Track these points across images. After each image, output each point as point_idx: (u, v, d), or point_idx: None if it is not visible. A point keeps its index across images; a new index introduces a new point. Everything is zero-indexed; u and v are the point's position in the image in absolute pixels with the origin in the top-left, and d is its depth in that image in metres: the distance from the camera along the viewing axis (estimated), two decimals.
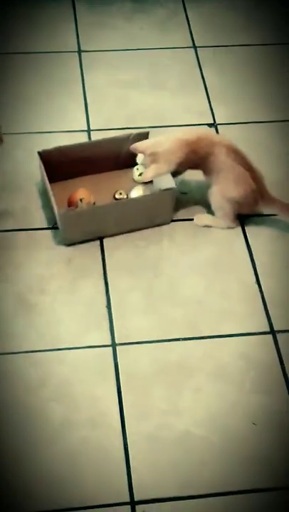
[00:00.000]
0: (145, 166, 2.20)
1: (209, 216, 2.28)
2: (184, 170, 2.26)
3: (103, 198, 2.28)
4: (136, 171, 2.33)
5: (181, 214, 2.32)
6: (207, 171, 2.22)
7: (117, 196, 2.30)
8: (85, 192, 2.24)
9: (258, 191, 2.21)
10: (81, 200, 2.21)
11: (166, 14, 2.99)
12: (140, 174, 2.28)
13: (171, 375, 1.96)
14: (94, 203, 2.24)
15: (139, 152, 2.18)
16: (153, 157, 2.15)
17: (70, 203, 2.23)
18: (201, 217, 2.29)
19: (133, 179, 2.34)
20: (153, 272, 2.18)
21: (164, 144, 2.17)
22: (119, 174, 2.38)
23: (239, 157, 2.19)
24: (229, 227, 2.27)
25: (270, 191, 2.24)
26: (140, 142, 2.19)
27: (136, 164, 2.33)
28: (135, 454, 1.81)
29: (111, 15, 2.97)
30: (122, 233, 2.25)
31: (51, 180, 2.21)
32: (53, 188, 2.19)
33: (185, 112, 2.63)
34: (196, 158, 2.18)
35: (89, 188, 2.29)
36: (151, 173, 2.18)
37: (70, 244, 2.21)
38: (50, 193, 2.17)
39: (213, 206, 2.26)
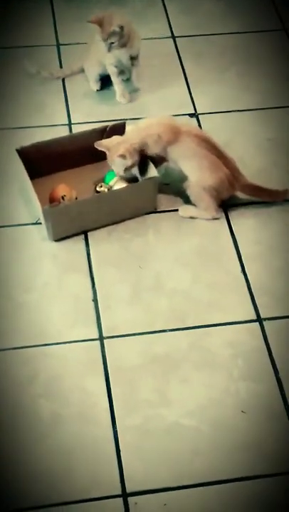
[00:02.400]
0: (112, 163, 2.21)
1: (194, 207, 2.28)
2: (159, 160, 2.24)
3: (84, 192, 2.28)
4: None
5: (165, 205, 2.32)
6: (176, 160, 2.22)
7: (98, 189, 2.29)
8: (65, 188, 2.24)
9: (233, 176, 2.22)
10: (63, 197, 2.20)
11: (143, 5, 2.98)
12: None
13: (159, 366, 1.96)
14: (76, 198, 2.24)
15: (103, 148, 2.20)
16: (116, 149, 2.16)
17: (52, 200, 2.22)
18: (186, 209, 2.29)
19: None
20: (138, 264, 2.18)
21: (123, 136, 2.21)
22: (98, 166, 2.37)
23: (210, 145, 2.20)
24: (214, 218, 2.27)
25: (244, 175, 2.25)
26: (100, 141, 2.21)
27: None
28: (126, 447, 1.82)
29: (88, 7, 2.95)
30: (107, 225, 2.25)
31: (31, 176, 2.20)
32: (34, 184, 2.18)
33: (165, 102, 2.63)
34: (160, 144, 2.18)
35: (69, 182, 2.28)
36: (118, 168, 2.19)
37: (56, 239, 2.20)
38: (32, 189, 2.17)
39: (193, 199, 2.26)
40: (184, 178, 2.26)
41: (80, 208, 2.19)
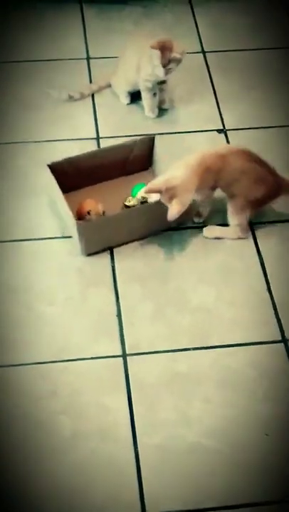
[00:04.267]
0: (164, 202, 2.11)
1: (219, 227, 2.26)
2: (209, 195, 2.21)
3: (113, 206, 2.27)
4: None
5: (191, 221, 2.30)
6: (226, 185, 2.18)
7: (127, 203, 2.28)
8: (91, 203, 2.23)
9: (276, 183, 2.20)
10: (89, 212, 2.20)
11: (174, 19, 2.97)
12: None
13: (181, 385, 1.94)
14: (103, 212, 2.23)
15: (156, 191, 2.09)
16: (172, 192, 2.06)
17: (78, 214, 2.22)
18: (211, 229, 2.26)
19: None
20: (163, 281, 2.16)
21: (177, 176, 2.08)
22: (127, 180, 2.37)
23: (253, 157, 2.17)
24: (240, 238, 2.25)
25: (283, 175, 2.22)
26: (152, 182, 2.10)
27: (145, 170, 2.37)
28: (146, 466, 1.80)
29: (120, 20, 2.96)
30: (139, 239, 2.24)
31: (62, 191, 2.18)
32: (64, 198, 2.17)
33: (194, 117, 2.62)
34: (212, 176, 2.13)
35: (99, 196, 2.28)
36: (177, 209, 2.06)
37: (88, 254, 2.20)
38: (65, 204, 2.15)
39: (232, 211, 2.22)
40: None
41: (112, 223, 2.18)
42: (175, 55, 2.37)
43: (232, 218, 2.23)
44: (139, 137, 2.36)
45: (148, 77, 2.49)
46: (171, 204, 2.06)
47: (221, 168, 2.14)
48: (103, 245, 2.22)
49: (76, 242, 2.19)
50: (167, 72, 2.42)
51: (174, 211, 2.05)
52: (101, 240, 2.20)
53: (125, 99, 2.63)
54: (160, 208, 2.21)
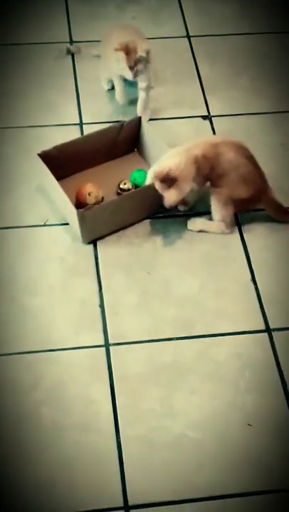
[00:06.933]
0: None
1: (203, 220, 2.23)
2: (203, 183, 2.17)
3: (107, 190, 2.24)
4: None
5: (176, 210, 2.27)
6: (216, 176, 2.13)
7: (122, 186, 2.25)
8: (92, 186, 2.21)
9: (264, 189, 2.18)
10: (89, 194, 2.17)
11: (159, 3, 2.93)
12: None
13: (165, 375, 1.93)
14: (102, 198, 2.21)
15: (157, 179, 2.06)
16: (171, 181, 2.04)
17: (78, 198, 2.19)
18: (196, 222, 2.23)
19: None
20: (147, 270, 2.14)
21: (176, 165, 2.05)
22: (115, 164, 2.36)
23: (247, 154, 2.14)
24: (223, 233, 2.22)
25: (272, 190, 2.21)
26: (152, 172, 2.07)
27: (132, 151, 2.38)
28: (129, 458, 1.79)
29: (103, 5, 2.92)
30: (136, 223, 2.23)
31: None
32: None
33: (179, 103, 2.59)
34: (207, 164, 2.10)
35: (90, 182, 2.25)
36: (175, 196, 2.07)
37: (89, 242, 2.17)
38: (63, 193, 2.11)
39: (214, 207, 2.19)
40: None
41: (114, 207, 2.15)
42: (140, 54, 2.30)
43: (215, 213, 2.20)
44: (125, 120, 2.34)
45: (117, 72, 2.42)
46: (169, 191, 2.06)
47: (214, 157, 2.11)
48: (105, 231, 2.19)
49: (75, 230, 2.16)
50: (136, 74, 2.35)
51: (171, 198, 2.06)
52: (102, 226, 2.17)
53: (106, 85, 2.59)
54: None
